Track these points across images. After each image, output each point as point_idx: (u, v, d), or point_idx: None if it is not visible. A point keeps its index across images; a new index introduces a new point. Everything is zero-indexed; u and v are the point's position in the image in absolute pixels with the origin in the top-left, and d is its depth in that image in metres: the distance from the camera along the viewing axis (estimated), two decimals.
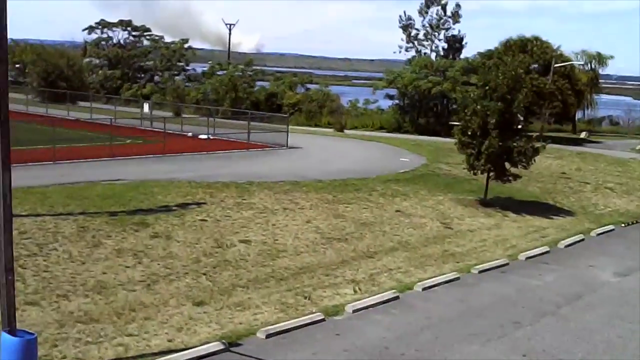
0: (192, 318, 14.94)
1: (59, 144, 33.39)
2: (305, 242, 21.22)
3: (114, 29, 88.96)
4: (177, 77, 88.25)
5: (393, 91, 69.71)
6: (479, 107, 26.82)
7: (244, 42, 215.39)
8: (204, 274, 17.63)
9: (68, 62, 75.84)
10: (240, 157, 37.91)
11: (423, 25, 70.11)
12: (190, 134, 45.28)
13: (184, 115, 53.24)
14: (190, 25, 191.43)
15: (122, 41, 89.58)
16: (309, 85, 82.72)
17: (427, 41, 70.93)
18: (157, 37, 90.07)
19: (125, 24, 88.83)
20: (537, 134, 41.83)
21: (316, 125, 66.35)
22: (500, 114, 26.63)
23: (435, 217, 26.07)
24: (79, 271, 17.06)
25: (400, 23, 70.16)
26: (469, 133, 27.34)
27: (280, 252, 20.07)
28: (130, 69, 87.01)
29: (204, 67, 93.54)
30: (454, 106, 65.84)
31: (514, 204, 29.65)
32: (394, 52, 73.09)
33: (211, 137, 43.78)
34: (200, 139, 43.72)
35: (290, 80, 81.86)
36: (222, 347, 13.42)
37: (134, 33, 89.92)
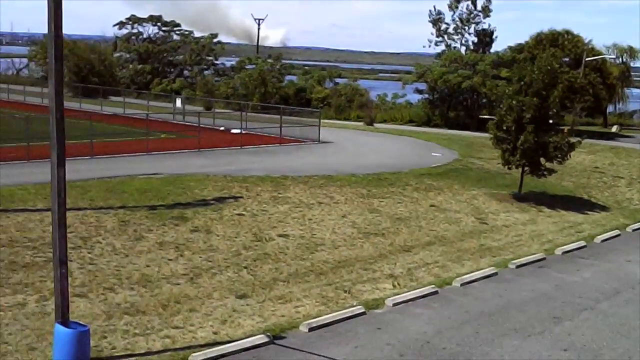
0: (236, 310, 15.19)
1: (96, 138, 33.84)
2: (343, 237, 21.40)
3: (144, 24, 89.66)
4: (205, 72, 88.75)
5: (422, 85, 69.56)
6: (514, 102, 26.79)
7: (271, 36, 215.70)
8: (245, 268, 17.89)
9: (99, 57, 76.50)
10: (273, 151, 38.13)
11: (453, 20, 69.74)
12: (222, 129, 45.61)
13: (216, 110, 53.48)
14: (217, 20, 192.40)
15: (152, 36, 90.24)
16: (337, 80, 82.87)
17: (457, 35, 70.54)
18: (186, 32, 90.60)
19: (155, 19, 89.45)
20: (569, 127, 41.54)
21: (345, 119, 66.48)
22: (536, 109, 26.57)
23: (470, 211, 26.12)
24: (123, 264, 17.40)
25: (430, 17, 69.88)
26: (504, 128, 27.32)
27: (318, 246, 20.27)
28: (160, 63, 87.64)
29: (231, 61, 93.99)
30: (484, 100, 65.69)
31: (548, 199, 29.60)
32: (424, 47, 72.80)
33: (243, 132, 44.04)
34: (233, 133, 43.99)
35: (318, 75, 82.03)
36: (266, 339, 13.66)
37: (163, 28, 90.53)
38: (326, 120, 53.54)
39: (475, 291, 17.85)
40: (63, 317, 12.03)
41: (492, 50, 71.45)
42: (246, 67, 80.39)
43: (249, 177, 28.65)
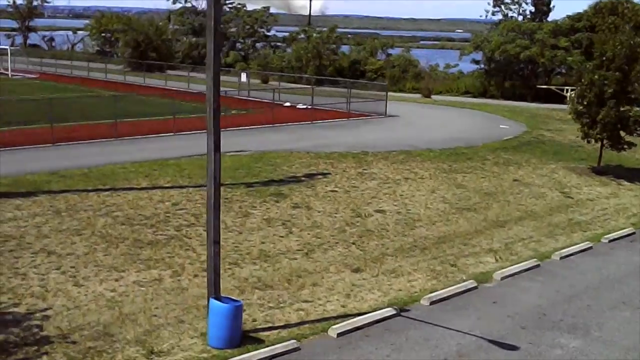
0: (355, 285, 16.05)
1: (177, 116, 34.82)
2: (436, 212, 22.12)
3: None
4: (257, 44, 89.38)
5: (478, 55, 69.39)
6: (596, 77, 27.08)
7: (308, 5, 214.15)
8: (353, 243, 18.74)
9: (156, 32, 77.56)
10: (344, 126, 38.86)
11: None
12: (288, 104, 46.29)
13: (282, 84, 54.26)
14: None
15: (205, 10, 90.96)
16: (389, 51, 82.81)
17: (514, 5, 70.14)
18: (239, 5, 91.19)
19: None
20: None
21: (400, 91, 66.74)
22: (618, 83, 26.85)
23: (553, 186, 26.61)
24: (239, 240, 18.37)
25: None
26: (585, 103, 27.65)
27: (415, 221, 21.03)
28: None
29: (281, 32, 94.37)
30: (540, 70, 65.43)
31: (626, 172, 29.90)
32: (480, 16, 72.56)
33: (309, 107, 44.72)
34: (299, 108, 44.71)
35: (371, 45, 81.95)
36: (394, 312, 14.50)
37: None
38: (382, 93, 53.98)
39: (574, 265, 18.46)
40: (216, 293, 13.00)
41: (549, 20, 70.97)
42: (299, 37, 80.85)
43: (330, 154, 29.48)
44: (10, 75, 60.49)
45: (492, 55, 65.23)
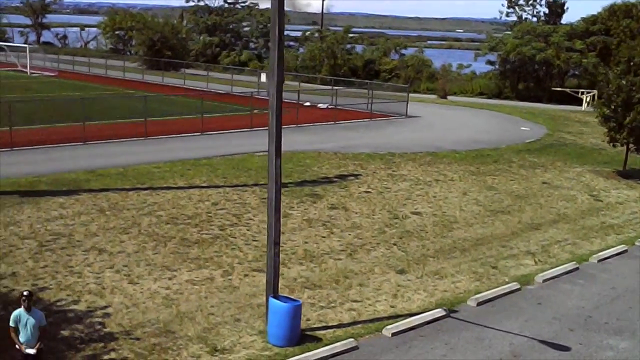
0: (400, 285, 16.36)
1: (204, 116, 35.17)
2: (471, 214, 22.42)
3: None
4: (270, 43, 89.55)
5: (489, 57, 69.72)
6: (623, 82, 27.37)
7: (313, 3, 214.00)
8: (394, 245, 19.05)
9: (172, 30, 77.92)
10: (366, 127, 39.16)
11: None
12: (308, 104, 46.54)
13: (302, 85, 54.58)
14: None
15: (217, 8, 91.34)
16: (402, 51, 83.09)
17: (529, 6, 70.53)
18: (252, 4, 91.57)
19: None
20: None
21: (415, 92, 67.00)
22: None
23: (581, 189, 26.90)
24: (283, 240, 18.54)
25: None
26: (612, 107, 27.94)
27: (452, 223, 21.34)
28: (226, 36, 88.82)
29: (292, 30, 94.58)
30: (554, 71, 65.69)
31: None
32: (495, 18, 72.92)
33: (330, 107, 45.04)
34: (320, 108, 44.98)
35: (384, 45, 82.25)
36: (443, 313, 14.82)
37: (229, 0, 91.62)
38: (397, 93, 54.29)
39: (612, 267, 18.74)
40: (275, 292, 13.34)
41: (562, 22, 71.32)
42: (314, 37, 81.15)
43: (358, 155, 29.81)
44: (29, 72, 60.86)
45: (507, 56, 65.62)
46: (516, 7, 70.52)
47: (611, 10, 66.69)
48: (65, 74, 62.58)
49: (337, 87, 49.88)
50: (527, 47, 63.54)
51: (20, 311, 10.73)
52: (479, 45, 79.02)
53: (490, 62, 69.66)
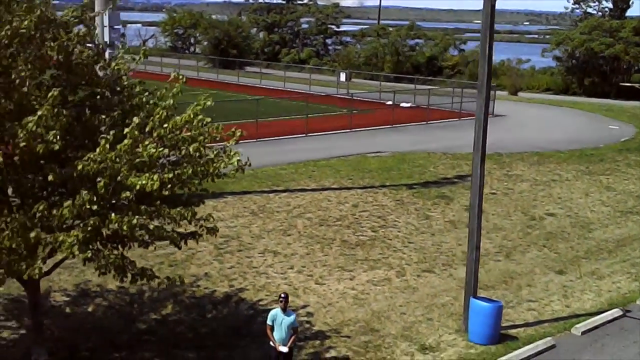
0: (565, 286, 17.05)
1: (306, 116, 35.96)
2: (603, 215, 23.00)
3: None
4: (327, 40, 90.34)
5: (557, 52, 69.72)
6: None
7: None
8: (544, 246, 19.74)
9: (237, 29, 78.99)
10: (459, 126, 39.73)
11: None
12: (389, 103, 47.05)
13: (384, 84, 55.32)
14: None
15: (276, 6, 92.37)
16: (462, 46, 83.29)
17: (594, 2, 70.41)
18: (309, 2, 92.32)
19: None
20: None
21: None
22: None
23: None
24: (437, 242, 19.50)
25: None
26: None
27: (588, 224, 21.94)
28: (286, 33, 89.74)
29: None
30: (624, 67, 65.62)
31: None
32: (560, 13, 72.86)
33: (413, 106, 45.62)
34: (403, 107, 45.49)
35: (444, 41, 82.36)
36: (620, 313, 15.50)
37: None
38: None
39: None
40: (474, 293, 14.16)
41: (626, 16, 70.99)
42: (370, 35, 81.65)
43: (467, 155, 30.29)
44: None
45: (573, 52, 65.75)
46: (581, 3, 70.44)
47: None
48: (138, 74, 63.63)
49: (419, 86, 50.43)
50: (596, 42, 63.50)
51: (277, 311, 11.67)
52: (518, 38, 78.44)
53: (557, 58, 69.58)
